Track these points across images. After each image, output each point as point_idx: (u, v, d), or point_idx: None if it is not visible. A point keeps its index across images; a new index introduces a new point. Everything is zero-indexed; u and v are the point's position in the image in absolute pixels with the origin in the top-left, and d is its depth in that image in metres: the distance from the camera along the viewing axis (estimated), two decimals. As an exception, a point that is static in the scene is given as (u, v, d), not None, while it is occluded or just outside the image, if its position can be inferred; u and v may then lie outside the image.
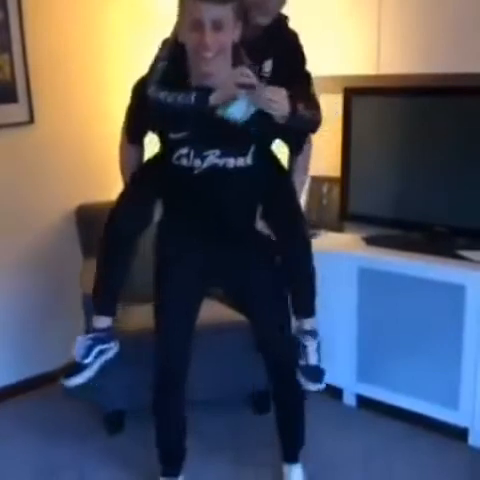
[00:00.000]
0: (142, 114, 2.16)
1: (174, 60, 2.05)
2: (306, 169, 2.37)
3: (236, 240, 2.24)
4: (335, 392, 3.11)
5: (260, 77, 2.05)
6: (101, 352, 2.18)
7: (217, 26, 1.91)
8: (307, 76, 2.19)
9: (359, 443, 2.86)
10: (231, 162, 2.09)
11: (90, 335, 2.19)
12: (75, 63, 3.27)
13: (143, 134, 2.29)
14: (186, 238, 2.24)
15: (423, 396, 2.88)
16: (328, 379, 2.87)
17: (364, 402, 3.08)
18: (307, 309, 2.27)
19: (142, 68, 3.47)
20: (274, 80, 2.06)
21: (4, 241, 3.18)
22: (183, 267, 2.25)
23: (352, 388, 3.11)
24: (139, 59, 3.48)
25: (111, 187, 3.46)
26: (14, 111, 3.09)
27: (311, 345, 2.23)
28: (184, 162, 2.10)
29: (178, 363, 2.32)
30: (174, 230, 2.27)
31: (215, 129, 2.02)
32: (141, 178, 2.25)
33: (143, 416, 2.87)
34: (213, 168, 2.09)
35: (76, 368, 2.14)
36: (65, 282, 3.31)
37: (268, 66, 2.10)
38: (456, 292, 2.70)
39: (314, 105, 2.14)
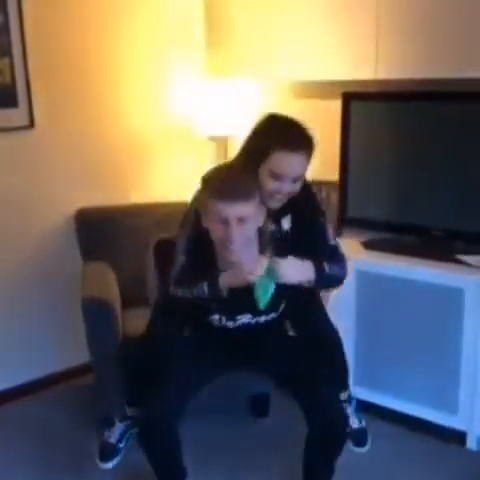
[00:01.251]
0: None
1: (197, 248, 2.12)
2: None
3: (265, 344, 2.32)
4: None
5: (280, 237, 2.15)
6: (130, 436, 2.48)
7: (241, 220, 1.98)
8: (327, 229, 2.24)
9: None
10: (262, 318, 2.20)
11: (125, 423, 2.47)
12: (75, 68, 3.28)
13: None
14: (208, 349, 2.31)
15: (421, 400, 2.88)
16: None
17: (362, 406, 3.08)
18: (342, 384, 2.42)
19: (142, 72, 3.52)
20: (294, 236, 2.16)
21: (4, 245, 3.18)
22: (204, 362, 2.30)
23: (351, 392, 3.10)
24: (140, 63, 3.53)
25: (110, 191, 3.49)
26: (14, 115, 3.09)
27: (350, 412, 2.40)
28: (216, 323, 2.22)
29: (173, 420, 2.21)
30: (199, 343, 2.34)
31: (245, 296, 2.06)
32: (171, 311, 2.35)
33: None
34: (245, 325, 2.21)
35: (111, 451, 2.45)
36: (64, 286, 3.32)
37: (287, 223, 2.18)
38: (454, 296, 2.71)
39: (340, 258, 2.20)
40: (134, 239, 3.27)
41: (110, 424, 2.52)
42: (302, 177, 2.11)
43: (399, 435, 2.92)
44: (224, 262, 2.09)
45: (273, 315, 2.21)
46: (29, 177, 3.22)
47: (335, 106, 3.14)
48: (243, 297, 2.06)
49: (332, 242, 2.23)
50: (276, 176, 2.04)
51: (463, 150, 2.86)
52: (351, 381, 3.03)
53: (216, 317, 2.20)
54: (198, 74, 3.70)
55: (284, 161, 2.03)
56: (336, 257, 2.19)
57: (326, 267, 2.11)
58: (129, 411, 2.47)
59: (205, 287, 2.06)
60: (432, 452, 2.80)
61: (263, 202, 2.06)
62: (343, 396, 2.41)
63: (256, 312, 2.13)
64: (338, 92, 3.11)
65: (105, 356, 2.79)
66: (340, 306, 2.99)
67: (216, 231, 2.02)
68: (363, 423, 2.38)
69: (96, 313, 2.78)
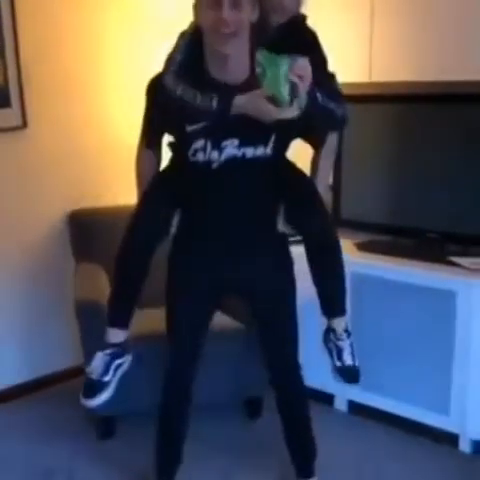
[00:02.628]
0: (159, 114, 2.09)
1: (192, 52, 1.98)
2: (333, 152, 2.28)
3: (255, 245, 2.16)
4: (326, 398, 3.12)
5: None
6: (118, 367, 2.12)
7: (235, 3, 1.86)
8: (329, 73, 2.12)
9: (350, 449, 2.86)
10: (250, 152, 2.00)
11: (107, 351, 2.10)
12: (68, 69, 3.27)
13: (161, 136, 2.20)
14: (202, 250, 2.18)
15: (414, 402, 2.89)
16: (319, 385, 2.89)
17: (355, 408, 3.09)
18: (339, 306, 2.21)
19: (138, 73, 3.50)
20: (284, 42, 1.98)
21: (-4, 245, 3.18)
22: (197, 282, 2.21)
23: (343, 394, 3.11)
24: (134, 65, 3.52)
25: (104, 193, 3.48)
26: (7, 116, 3.08)
27: (345, 345, 2.21)
28: (200, 157, 2.00)
29: (188, 371, 2.33)
30: (190, 242, 2.19)
31: (233, 117, 1.92)
32: (160, 184, 2.15)
33: (135, 421, 2.88)
34: (232, 160, 2.00)
35: (96, 386, 2.09)
36: (57, 287, 3.31)
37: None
38: (447, 298, 2.71)
39: (338, 98, 2.06)
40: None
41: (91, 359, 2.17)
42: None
43: (391, 437, 2.93)
44: (215, 64, 1.95)
45: (261, 150, 2.01)
46: (22, 177, 3.21)
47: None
48: (233, 117, 1.92)
49: (333, 86, 2.11)
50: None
51: (457, 152, 2.88)
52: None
53: (200, 144, 1.99)
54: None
55: None
56: (333, 96, 2.04)
57: (319, 96, 1.95)
58: (112, 335, 2.12)
59: (214, 100, 1.89)
60: (424, 454, 2.81)
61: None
62: (338, 325, 2.21)
63: (244, 138, 1.97)
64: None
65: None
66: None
67: (208, 17, 1.87)
68: (357, 362, 2.22)
69: (89, 315, 2.77)
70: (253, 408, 3.10)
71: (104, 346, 2.12)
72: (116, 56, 3.45)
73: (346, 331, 2.23)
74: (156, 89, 2.04)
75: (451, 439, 2.82)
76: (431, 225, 2.97)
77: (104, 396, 2.11)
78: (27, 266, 3.28)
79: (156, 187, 2.14)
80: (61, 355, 3.40)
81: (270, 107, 1.88)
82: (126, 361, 2.16)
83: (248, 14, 1.90)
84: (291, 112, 1.88)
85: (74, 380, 3.35)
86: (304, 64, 1.88)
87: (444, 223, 2.94)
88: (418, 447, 2.85)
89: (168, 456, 2.45)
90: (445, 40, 2.74)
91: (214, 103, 1.90)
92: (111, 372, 2.10)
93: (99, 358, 2.10)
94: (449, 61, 2.75)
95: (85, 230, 3.28)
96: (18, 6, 3.03)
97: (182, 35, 2.05)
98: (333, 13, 3.01)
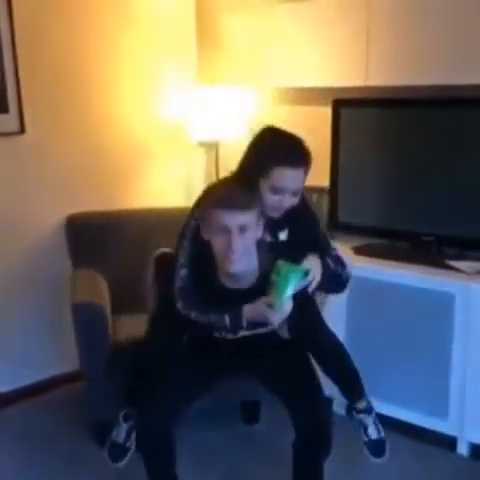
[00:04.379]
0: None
1: (198, 259, 2.14)
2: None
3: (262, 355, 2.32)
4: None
5: (276, 244, 2.18)
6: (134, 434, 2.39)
7: (242, 230, 2.01)
8: (328, 241, 2.31)
9: (348, 452, 2.86)
10: (263, 329, 2.18)
11: (130, 422, 2.40)
12: (66, 74, 3.28)
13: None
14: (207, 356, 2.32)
15: (412, 405, 2.89)
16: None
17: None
18: (356, 393, 2.39)
19: (138, 80, 3.53)
20: (291, 246, 2.20)
21: (-7, 250, 3.18)
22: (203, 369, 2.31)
23: (341, 397, 3.10)
24: (135, 71, 3.54)
25: (101, 198, 3.48)
26: (5, 121, 3.09)
27: (369, 422, 2.37)
28: (216, 335, 2.22)
29: (171, 421, 2.24)
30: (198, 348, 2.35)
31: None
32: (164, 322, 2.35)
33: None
34: (245, 337, 2.19)
35: (122, 451, 2.42)
36: (54, 292, 3.30)
37: (283, 235, 2.22)
38: (444, 302, 2.72)
39: (342, 261, 2.25)
40: (124, 245, 3.26)
41: (114, 424, 2.48)
42: (301, 190, 2.16)
43: (390, 440, 2.91)
44: (225, 275, 2.12)
45: (272, 327, 2.20)
46: (19, 182, 3.21)
47: (325, 113, 3.15)
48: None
49: (333, 248, 2.30)
50: (277, 190, 2.10)
51: (453, 156, 2.88)
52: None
53: (216, 333, 2.22)
54: (189, 82, 3.71)
55: (285, 177, 2.09)
56: (338, 260, 2.25)
57: (331, 264, 2.17)
58: (132, 410, 2.41)
59: (226, 318, 2.10)
60: (423, 457, 2.81)
61: (263, 213, 2.10)
62: (360, 405, 2.39)
63: (256, 324, 2.14)
64: (328, 99, 3.12)
65: (95, 362, 2.78)
66: (330, 311, 2.99)
67: (217, 242, 2.05)
68: (382, 434, 2.40)
69: (86, 319, 2.77)
70: (251, 413, 3.10)
71: (126, 417, 2.43)
72: (116, 62, 3.46)
73: (367, 409, 2.39)
74: (161, 269, 2.31)
75: (449, 442, 2.83)
76: (428, 228, 2.98)
77: (127, 458, 2.44)
78: (24, 271, 3.28)
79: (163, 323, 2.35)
80: (57, 360, 3.39)
81: (270, 316, 2.06)
82: None
83: (254, 234, 2.06)
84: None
85: (70, 385, 3.35)
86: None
87: (441, 227, 2.95)
88: (416, 451, 2.85)
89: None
90: (442, 44, 2.75)
91: (227, 321, 2.11)
92: (131, 439, 2.41)
93: (124, 426, 2.42)
94: (446, 65, 2.76)
95: (82, 235, 3.28)
96: (16, 12, 3.04)
97: (183, 239, 2.19)
98: (330, 17, 3.03)
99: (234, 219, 1.99)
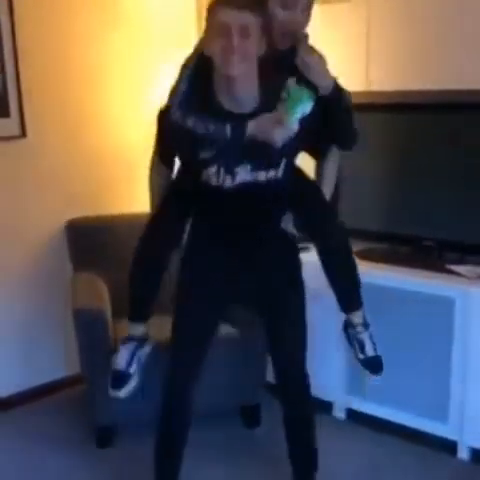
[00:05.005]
0: (170, 142, 2.14)
1: (197, 81, 2.03)
2: (333, 180, 2.38)
3: (263, 251, 2.24)
4: (325, 405, 3.12)
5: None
6: (140, 358, 2.26)
7: (244, 33, 1.91)
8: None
9: (349, 456, 2.86)
10: (262, 175, 2.07)
11: (130, 344, 2.24)
12: (67, 79, 3.28)
13: (173, 155, 2.24)
14: (210, 257, 2.23)
15: (412, 409, 2.89)
16: (318, 393, 2.88)
17: (354, 415, 3.09)
18: (355, 301, 2.30)
19: (139, 85, 3.53)
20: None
21: (-6, 254, 3.18)
22: (204, 291, 2.24)
23: (342, 401, 3.11)
24: (135, 76, 3.54)
25: (102, 202, 3.49)
26: (6, 125, 3.09)
27: (366, 338, 2.29)
28: (213, 181, 2.06)
29: (189, 379, 2.30)
30: (199, 250, 2.25)
31: (245, 144, 1.99)
32: (172, 197, 2.22)
33: (134, 430, 2.88)
34: (244, 184, 2.06)
35: (123, 377, 2.22)
36: (55, 296, 3.31)
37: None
38: (445, 306, 2.72)
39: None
40: (125, 249, 3.23)
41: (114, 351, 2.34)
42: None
43: (389, 444, 2.93)
44: (224, 95, 2.00)
45: (273, 173, 2.08)
46: (20, 186, 3.22)
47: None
48: (246, 143, 1.99)
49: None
50: (286, 3, 2.03)
51: (454, 161, 2.89)
52: (342, 390, 3.05)
53: (213, 170, 2.04)
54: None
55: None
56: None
57: (344, 92, 2.11)
58: (131, 329, 2.28)
59: (228, 129, 1.95)
60: (423, 461, 2.80)
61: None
62: (357, 318, 2.30)
63: (256, 163, 2.04)
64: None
65: (96, 366, 2.78)
66: (332, 315, 2.99)
67: (217, 45, 1.93)
68: (378, 353, 2.33)
69: (87, 323, 2.78)
70: (251, 416, 3.10)
71: (125, 339, 2.26)
72: (116, 67, 3.46)
73: (364, 323, 2.31)
74: (165, 122, 2.10)
75: (449, 447, 2.82)
76: (429, 233, 2.98)
77: (131, 386, 2.24)
78: (25, 275, 3.28)
79: (168, 201, 2.22)
80: (58, 364, 3.39)
81: (276, 130, 1.97)
82: (146, 351, 2.28)
83: (256, 45, 1.96)
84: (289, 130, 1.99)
85: (72, 389, 3.36)
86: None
87: (442, 231, 2.95)
88: (416, 455, 2.85)
89: (168, 470, 2.42)
90: (443, 49, 2.75)
91: (228, 131, 1.95)
92: (135, 363, 2.23)
93: (123, 351, 2.24)
94: (447, 70, 2.76)
95: (83, 239, 3.28)
96: (17, 15, 3.04)
97: (184, 66, 2.09)
98: (330, 22, 3.03)
99: (234, 17, 1.90)
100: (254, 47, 1.95)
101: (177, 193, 2.21)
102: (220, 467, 2.79)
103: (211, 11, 1.96)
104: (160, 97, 3.50)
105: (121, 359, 2.24)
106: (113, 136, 3.50)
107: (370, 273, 2.91)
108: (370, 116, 3.06)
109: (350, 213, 3.18)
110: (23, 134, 3.15)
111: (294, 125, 1.97)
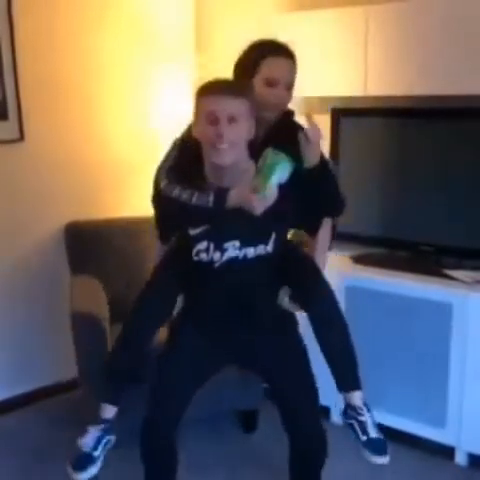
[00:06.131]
0: (164, 216, 2.17)
1: (184, 159, 2.07)
2: (325, 248, 2.35)
3: (259, 326, 2.21)
4: (322, 410, 3.10)
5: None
6: (106, 443, 2.18)
7: (232, 119, 1.93)
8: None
9: (346, 462, 2.85)
10: (251, 252, 2.08)
11: (100, 426, 2.17)
12: (66, 82, 3.29)
13: (171, 232, 2.25)
14: (205, 329, 2.22)
15: (410, 414, 2.89)
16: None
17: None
18: (352, 380, 2.21)
19: (137, 88, 3.54)
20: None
21: (-8, 258, 3.18)
22: (194, 360, 2.22)
23: (340, 407, 3.10)
24: (134, 79, 3.55)
25: (100, 205, 3.49)
26: (4, 128, 3.10)
27: (367, 419, 2.20)
28: (203, 257, 2.09)
29: (173, 419, 2.22)
30: (193, 321, 2.25)
31: (233, 220, 2.02)
32: (166, 268, 2.24)
33: (131, 433, 2.86)
34: (233, 260, 2.08)
35: (87, 459, 2.14)
36: (53, 300, 3.31)
37: (269, 150, 2.09)
38: (443, 311, 2.72)
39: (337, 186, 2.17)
40: (123, 253, 3.27)
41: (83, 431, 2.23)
42: (293, 85, 2.15)
43: (388, 450, 2.92)
44: (211, 170, 2.02)
45: (262, 248, 2.08)
46: (18, 190, 3.22)
47: (324, 121, 3.16)
48: (231, 220, 2.02)
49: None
50: (270, 82, 2.09)
51: (452, 166, 2.89)
52: (340, 395, 3.03)
53: (203, 246, 2.07)
54: (187, 91, 3.71)
55: (276, 65, 2.11)
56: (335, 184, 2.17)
57: (330, 164, 2.11)
58: (104, 411, 2.19)
59: (211, 196, 1.98)
60: (420, 466, 2.81)
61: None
62: (356, 400, 2.22)
63: (244, 240, 2.05)
64: (327, 108, 3.13)
65: (93, 370, 2.78)
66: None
67: (205, 133, 1.95)
68: (381, 435, 2.22)
69: (85, 327, 2.78)
70: (249, 421, 3.10)
71: (96, 422, 2.18)
72: (115, 70, 3.48)
73: (365, 405, 2.24)
74: (157, 195, 2.12)
75: (447, 452, 2.82)
76: (426, 238, 2.99)
77: (93, 470, 2.15)
78: (22, 278, 3.28)
79: (162, 271, 2.23)
80: (55, 368, 3.39)
81: (254, 201, 1.96)
82: (112, 439, 2.20)
83: (244, 129, 1.98)
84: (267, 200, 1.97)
85: (68, 393, 3.35)
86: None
87: (439, 236, 2.95)
88: (414, 460, 2.85)
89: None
90: (441, 54, 2.76)
91: (211, 199, 1.98)
92: (100, 448, 2.16)
93: (91, 433, 2.17)
94: (445, 75, 2.76)
95: (81, 242, 3.28)
96: (16, 20, 3.05)
97: (173, 145, 2.15)
98: (329, 26, 3.04)
99: (223, 105, 1.92)
100: (243, 132, 1.97)
101: (170, 264, 2.21)
102: (218, 472, 2.78)
103: (199, 97, 1.99)
104: (157, 104, 3.60)
105: (88, 441, 2.16)
106: (111, 140, 3.51)
107: (367, 278, 2.92)
108: (368, 121, 3.08)
109: (348, 218, 3.18)
110: (21, 137, 3.15)
111: (271, 192, 1.96)
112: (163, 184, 2.05)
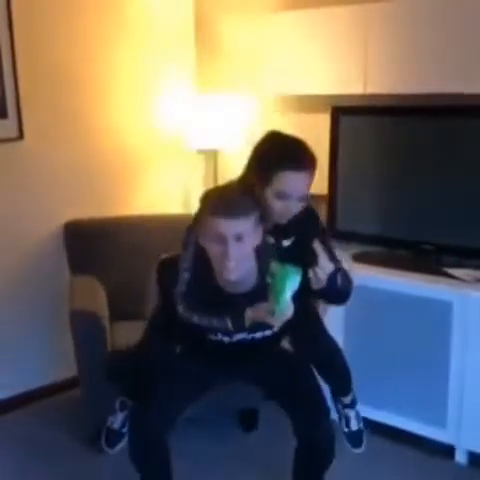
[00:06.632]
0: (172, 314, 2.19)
1: (198, 265, 2.10)
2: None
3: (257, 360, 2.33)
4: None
5: (279, 248, 2.15)
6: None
7: (239, 238, 1.96)
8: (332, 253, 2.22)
9: (346, 460, 2.85)
10: (259, 335, 2.18)
11: (126, 411, 2.50)
12: (65, 80, 3.28)
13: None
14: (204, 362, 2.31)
15: (410, 413, 2.88)
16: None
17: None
18: (345, 390, 2.51)
19: (133, 86, 3.54)
20: (292, 251, 2.16)
21: (-9, 256, 3.17)
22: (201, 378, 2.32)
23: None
24: (131, 77, 3.54)
25: (100, 204, 3.49)
26: (3, 127, 3.09)
27: (352, 414, 2.51)
28: (212, 337, 2.19)
29: (166, 422, 2.23)
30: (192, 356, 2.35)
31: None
32: (163, 324, 2.33)
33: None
34: (240, 340, 2.17)
35: (117, 436, 2.53)
36: (52, 298, 3.30)
37: (287, 242, 2.19)
38: (443, 309, 2.72)
39: (349, 279, 2.20)
40: (122, 252, 3.26)
41: (111, 411, 2.58)
42: (307, 196, 2.14)
43: (387, 448, 2.92)
44: (223, 280, 2.08)
45: (269, 331, 2.18)
46: (18, 188, 3.21)
47: (324, 120, 3.16)
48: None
49: (338, 261, 2.21)
50: (282, 196, 2.07)
51: (452, 164, 2.89)
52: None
53: (214, 336, 2.19)
54: (188, 89, 3.72)
55: (289, 181, 2.05)
56: (344, 275, 2.17)
57: (338, 280, 2.09)
58: (129, 402, 2.49)
59: (229, 322, 2.04)
60: (420, 465, 2.80)
61: (269, 218, 2.07)
62: (346, 400, 2.50)
63: (253, 329, 2.12)
64: (327, 106, 3.13)
65: (93, 369, 2.77)
66: (328, 319, 2.99)
67: (213, 249, 2.00)
68: (361, 425, 2.55)
69: (84, 326, 2.77)
70: (248, 420, 3.09)
71: (122, 406, 2.53)
72: (115, 69, 3.47)
73: (352, 402, 2.51)
74: (163, 274, 2.19)
75: (447, 451, 2.82)
76: (427, 237, 2.98)
77: (122, 444, 2.49)
78: (21, 277, 3.27)
79: (159, 327, 2.35)
80: (55, 367, 3.38)
81: (271, 320, 2.00)
82: None
83: (251, 243, 2.01)
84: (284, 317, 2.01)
85: (68, 392, 3.34)
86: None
87: (439, 235, 2.95)
88: (414, 459, 2.84)
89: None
90: (441, 52, 2.75)
91: (229, 325, 2.05)
92: (126, 426, 2.47)
93: (119, 415, 2.54)
94: (445, 73, 2.76)
95: (81, 241, 3.28)
96: (16, 18, 3.04)
97: (189, 231, 2.15)
98: (329, 24, 3.03)
99: (230, 227, 1.94)
100: (249, 246, 2.01)
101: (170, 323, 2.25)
102: (217, 471, 2.78)
103: (208, 214, 1.98)
104: (160, 101, 3.60)
105: (117, 420, 2.53)
106: (111, 138, 3.50)
107: (368, 277, 2.91)
108: (368, 119, 3.07)
109: (348, 216, 3.19)
110: (21, 136, 3.14)
111: (288, 308, 1.97)
112: (180, 309, 2.10)
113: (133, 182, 3.63)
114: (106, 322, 2.84)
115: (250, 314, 2.03)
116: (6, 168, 3.16)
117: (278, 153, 2.08)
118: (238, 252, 1.97)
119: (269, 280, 1.99)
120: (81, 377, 2.93)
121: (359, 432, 2.52)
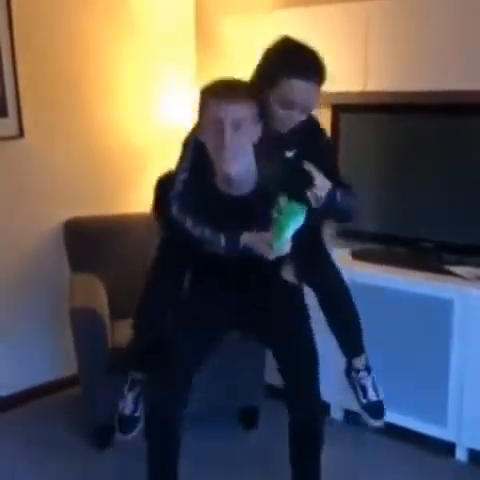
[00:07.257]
0: (168, 230, 2.20)
1: (196, 166, 2.06)
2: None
3: (263, 291, 2.24)
4: (322, 407, 3.10)
5: (281, 158, 2.09)
6: (141, 401, 2.38)
7: (236, 126, 1.93)
8: (335, 167, 2.21)
9: (347, 458, 2.86)
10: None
11: (135, 391, 2.37)
12: (65, 78, 3.28)
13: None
14: (211, 296, 2.25)
15: (410, 411, 2.88)
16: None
17: (352, 417, 3.08)
18: (356, 347, 2.33)
19: (139, 83, 3.53)
20: (295, 163, 2.08)
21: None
22: (203, 322, 2.24)
23: (339, 403, 3.10)
24: (136, 75, 3.54)
25: (100, 202, 3.48)
26: (4, 125, 3.09)
27: (368, 382, 2.32)
28: (211, 250, 2.11)
29: (177, 405, 2.21)
30: (199, 293, 2.28)
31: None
32: (171, 251, 2.29)
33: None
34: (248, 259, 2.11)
35: (131, 421, 2.38)
36: (53, 296, 3.30)
37: (289, 153, 2.12)
38: (443, 307, 2.72)
39: (352, 193, 2.14)
40: (123, 250, 3.26)
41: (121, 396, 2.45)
42: (311, 108, 2.05)
43: (387, 446, 2.92)
44: (222, 180, 2.03)
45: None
46: (18, 186, 3.21)
47: (324, 118, 3.15)
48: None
49: (341, 177, 2.16)
50: (286, 104, 1.99)
51: (452, 162, 2.89)
52: (340, 392, 3.03)
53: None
54: (189, 85, 3.71)
55: (295, 89, 1.97)
56: (348, 190, 2.13)
57: (338, 195, 2.05)
58: (135, 375, 2.38)
59: (223, 239, 2.00)
60: (421, 463, 2.80)
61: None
62: (359, 364, 2.35)
63: (244, 253, 2.06)
64: (327, 103, 3.12)
65: (93, 367, 2.78)
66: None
67: (210, 138, 1.97)
68: (381, 396, 2.36)
69: (85, 324, 2.78)
70: (249, 418, 3.09)
71: (130, 385, 2.38)
72: (115, 66, 3.47)
73: (366, 368, 2.34)
74: (164, 205, 2.12)
75: (448, 449, 2.82)
76: (426, 234, 2.98)
77: (138, 428, 2.38)
78: (22, 274, 3.27)
79: (166, 256, 2.30)
80: (56, 365, 3.38)
81: (268, 250, 1.98)
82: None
83: (248, 135, 1.97)
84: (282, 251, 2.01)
85: (69, 389, 3.35)
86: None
87: (440, 232, 2.95)
88: (415, 456, 2.85)
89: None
90: (441, 50, 2.75)
91: (222, 242, 2.01)
92: (139, 408, 2.37)
93: (129, 396, 2.38)
94: (446, 71, 2.76)
95: (81, 239, 3.28)
96: (15, 16, 3.04)
97: (185, 143, 2.12)
98: (329, 22, 3.03)
99: (229, 111, 1.91)
100: (247, 137, 1.97)
101: (172, 252, 2.25)
102: (217, 469, 2.78)
103: (204, 99, 1.99)
104: (160, 99, 3.59)
105: (129, 404, 2.37)
106: (111, 136, 3.51)
107: (368, 274, 2.92)
108: (368, 117, 3.07)
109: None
110: (21, 134, 3.14)
111: (285, 245, 1.99)
112: (174, 210, 2.05)
113: (133, 180, 3.63)
114: (106, 320, 2.84)
115: (246, 237, 1.99)
116: (6, 166, 3.16)
117: (288, 59, 2.00)
118: (235, 141, 1.93)
119: (274, 214, 1.96)
120: (81, 375, 2.93)
121: (378, 403, 2.35)
